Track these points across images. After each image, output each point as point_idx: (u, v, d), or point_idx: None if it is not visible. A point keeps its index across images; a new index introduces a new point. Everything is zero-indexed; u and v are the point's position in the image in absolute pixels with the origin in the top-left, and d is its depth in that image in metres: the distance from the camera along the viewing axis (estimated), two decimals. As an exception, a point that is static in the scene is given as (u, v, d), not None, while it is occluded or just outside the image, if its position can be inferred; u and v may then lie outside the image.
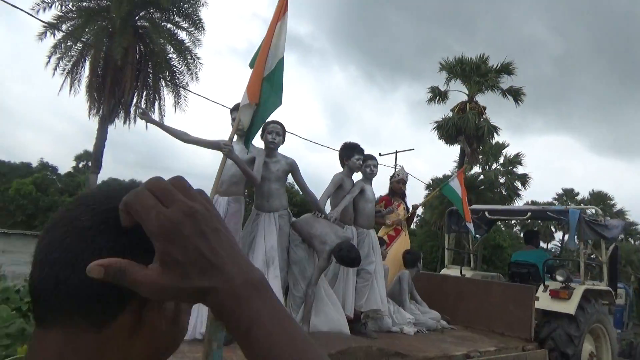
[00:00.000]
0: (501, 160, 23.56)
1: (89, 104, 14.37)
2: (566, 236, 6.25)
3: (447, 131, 18.78)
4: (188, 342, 3.13)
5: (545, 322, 5.44)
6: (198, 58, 17.01)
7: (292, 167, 3.88)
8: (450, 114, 19.28)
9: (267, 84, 3.31)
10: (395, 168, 5.82)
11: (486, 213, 7.02)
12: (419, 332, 4.57)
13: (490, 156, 23.11)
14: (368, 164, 4.49)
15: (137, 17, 15.30)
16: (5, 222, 21.04)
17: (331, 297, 3.85)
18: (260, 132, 3.89)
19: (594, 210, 6.18)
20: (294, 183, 4.19)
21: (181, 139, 3.62)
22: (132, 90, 14.10)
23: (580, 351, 5.38)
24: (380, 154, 21.72)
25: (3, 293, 3.36)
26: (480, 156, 23.80)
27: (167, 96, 16.09)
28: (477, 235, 6.40)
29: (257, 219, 3.82)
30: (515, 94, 19.25)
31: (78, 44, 14.18)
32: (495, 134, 18.73)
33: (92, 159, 14.79)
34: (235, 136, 3.73)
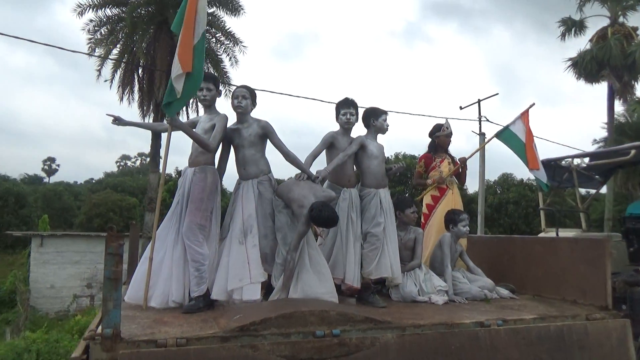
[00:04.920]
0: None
1: (139, 110, 15.24)
2: None
3: (585, 67, 15.21)
4: (160, 310, 3.24)
5: None
6: (240, 42, 15.74)
7: (266, 130, 3.70)
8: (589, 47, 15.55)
9: (196, 52, 3.26)
10: (446, 120, 5.08)
11: (586, 160, 5.71)
12: (453, 302, 3.93)
13: (662, 88, 18.35)
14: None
15: (160, 11, 14.80)
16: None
17: (316, 265, 3.53)
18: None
19: None
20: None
21: (158, 131, 3.89)
22: (163, 87, 13.67)
23: None
24: (460, 107, 18.57)
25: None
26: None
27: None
28: (547, 185, 5.13)
29: (238, 187, 3.77)
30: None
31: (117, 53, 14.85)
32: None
33: (150, 158, 15.35)
34: (202, 108, 3.78)
